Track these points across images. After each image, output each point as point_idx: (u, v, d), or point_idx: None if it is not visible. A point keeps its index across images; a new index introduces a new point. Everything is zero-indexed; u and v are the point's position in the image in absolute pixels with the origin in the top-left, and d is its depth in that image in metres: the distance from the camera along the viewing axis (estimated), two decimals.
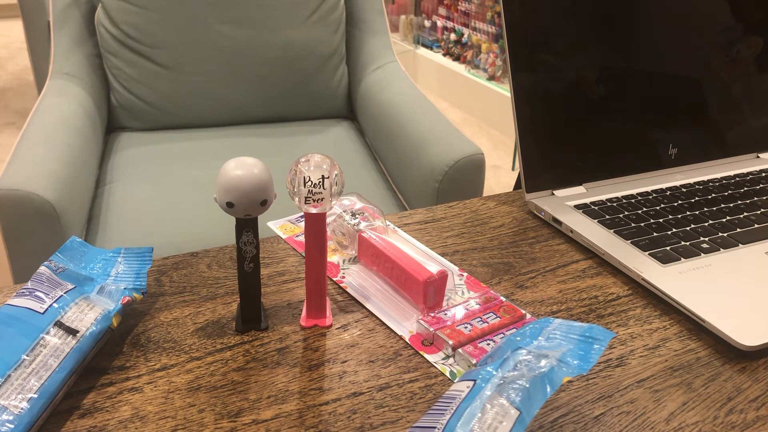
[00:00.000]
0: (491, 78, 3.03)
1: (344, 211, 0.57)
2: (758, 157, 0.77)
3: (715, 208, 0.64)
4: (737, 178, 0.71)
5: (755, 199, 0.67)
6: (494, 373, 0.35)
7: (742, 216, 0.63)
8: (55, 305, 0.43)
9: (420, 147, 1.33)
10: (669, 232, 0.60)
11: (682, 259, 0.56)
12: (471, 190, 1.28)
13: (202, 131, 1.56)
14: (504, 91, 2.91)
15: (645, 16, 0.68)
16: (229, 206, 0.43)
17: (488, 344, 0.46)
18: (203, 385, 0.43)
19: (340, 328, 0.49)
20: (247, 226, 0.45)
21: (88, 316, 0.43)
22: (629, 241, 0.58)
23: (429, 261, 0.50)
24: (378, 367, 0.45)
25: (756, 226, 0.62)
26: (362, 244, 0.55)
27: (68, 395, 0.42)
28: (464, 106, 3.18)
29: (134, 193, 1.30)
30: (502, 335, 0.47)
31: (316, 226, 0.45)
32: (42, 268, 0.46)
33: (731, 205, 0.65)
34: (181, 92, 1.54)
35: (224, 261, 0.56)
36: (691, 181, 0.70)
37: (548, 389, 0.34)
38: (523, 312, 0.50)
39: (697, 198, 0.66)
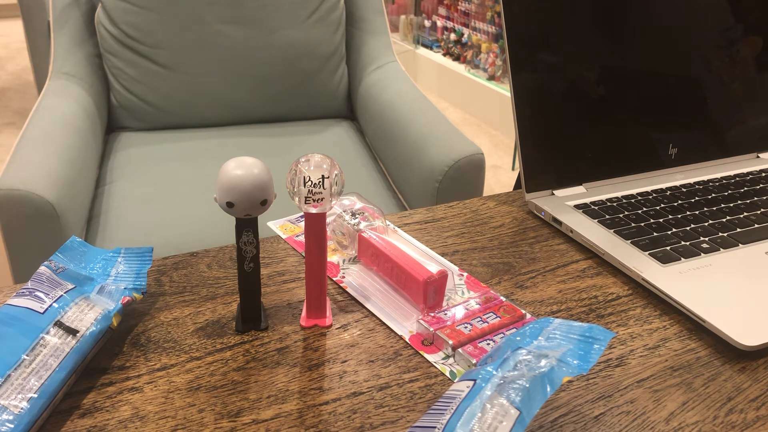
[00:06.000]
0: (491, 78, 3.03)
1: (344, 211, 0.57)
2: (758, 157, 0.77)
3: (715, 208, 0.64)
4: (737, 178, 0.71)
5: (755, 199, 0.67)
6: (494, 372, 0.35)
7: (742, 216, 0.63)
8: (55, 305, 0.43)
9: (420, 147, 1.33)
10: (669, 232, 0.60)
11: (682, 259, 0.56)
12: (471, 190, 1.28)
13: (202, 131, 1.56)
14: (504, 91, 2.91)
15: (645, 16, 0.68)
16: (229, 206, 0.43)
17: (488, 344, 0.46)
18: (203, 384, 0.43)
19: (340, 328, 0.49)
20: (247, 226, 0.45)
21: (88, 316, 0.43)
22: (629, 241, 0.58)
23: (429, 261, 0.50)
24: (378, 367, 0.45)
25: (756, 226, 0.62)
26: (362, 244, 0.55)
27: (68, 395, 0.42)
28: (464, 106, 3.18)
29: (134, 193, 1.30)
30: (502, 335, 0.47)
31: (316, 226, 0.45)
32: (42, 268, 0.46)
33: (731, 205, 0.65)
34: (181, 92, 1.54)
35: (224, 261, 0.56)
36: (691, 181, 0.70)
37: (548, 389, 0.34)
38: (523, 312, 0.50)
39: (697, 198, 0.66)
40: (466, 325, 0.47)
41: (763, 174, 0.73)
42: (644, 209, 0.64)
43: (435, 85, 3.39)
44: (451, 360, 0.46)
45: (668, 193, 0.67)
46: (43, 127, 1.27)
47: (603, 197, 0.66)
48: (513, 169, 2.59)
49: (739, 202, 0.66)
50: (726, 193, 0.68)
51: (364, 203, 0.59)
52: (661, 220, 0.62)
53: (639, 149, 0.70)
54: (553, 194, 0.66)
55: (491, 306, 0.50)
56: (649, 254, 0.57)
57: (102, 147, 1.49)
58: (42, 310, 0.42)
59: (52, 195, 1.07)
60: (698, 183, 0.69)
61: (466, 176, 1.26)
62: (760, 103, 0.76)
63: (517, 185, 0.90)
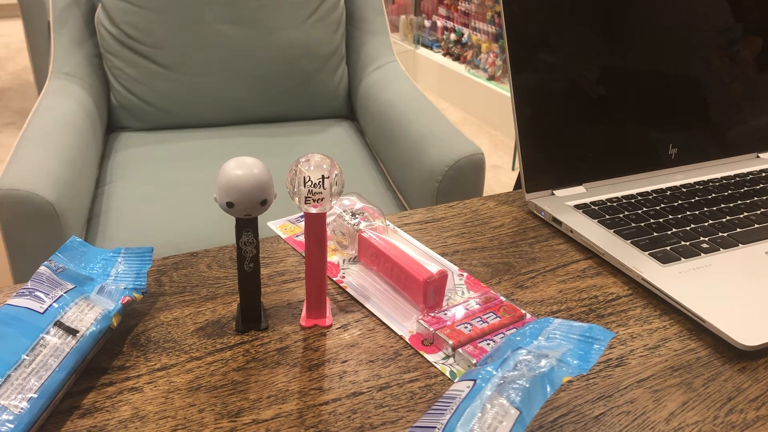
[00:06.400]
0: (491, 78, 3.03)
1: (344, 211, 0.57)
2: (758, 157, 0.77)
3: (715, 208, 0.64)
4: (737, 178, 0.71)
5: (755, 199, 0.67)
6: (494, 373, 0.35)
7: (742, 216, 0.63)
8: (55, 305, 0.43)
9: (420, 147, 1.33)
10: (669, 232, 0.60)
11: (682, 259, 0.56)
12: (471, 190, 1.28)
13: (202, 131, 1.56)
14: (504, 91, 2.91)
15: (645, 16, 0.68)
16: (229, 206, 0.43)
17: (488, 344, 0.46)
18: (203, 384, 0.43)
19: (340, 328, 0.49)
20: (247, 226, 0.45)
21: (88, 316, 0.43)
22: (629, 241, 0.58)
23: (429, 261, 0.50)
24: (378, 367, 0.45)
25: (756, 226, 0.62)
26: (362, 244, 0.55)
27: (68, 395, 0.42)
28: (464, 106, 3.18)
29: (134, 193, 1.30)
30: (502, 335, 0.47)
31: (316, 226, 0.45)
32: (42, 268, 0.46)
33: (731, 205, 0.65)
34: (181, 92, 1.54)
35: (224, 261, 0.56)
36: (691, 181, 0.70)
37: (548, 389, 0.34)
38: (523, 312, 0.50)
39: (697, 198, 0.66)
40: (466, 325, 0.47)
41: (763, 174, 0.73)
42: (644, 209, 0.64)
43: (435, 85, 3.39)
44: (451, 360, 0.46)
45: (668, 193, 0.67)
46: (43, 127, 1.27)
47: (603, 197, 0.66)
48: (513, 169, 2.59)
49: (739, 202, 0.66)
50: (726, 193, 0.68)
51: (364, 203, 0.59)
52: (661, 220, 0.62)
53: (639, 149, 0.70)
54: (553, 194, 0.66)
55: (491, 306, 0.50)
56: (649, 254, 0.57)
57: (102, 147, 1.49)
58: (42, 310, 0.42)
59: (52, 195, 1.07)
60: (698, 183, 0.69)
61: (466, 176, 1.26)
62: (760, 103, 0.76)
63: (517, 185, 0.90)
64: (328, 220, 0.56)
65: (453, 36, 3.29)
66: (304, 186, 0.43)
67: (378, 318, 0.50)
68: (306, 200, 0.44)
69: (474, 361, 0.44)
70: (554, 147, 0.66)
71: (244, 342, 0.47)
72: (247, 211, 0.43)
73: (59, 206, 1.07)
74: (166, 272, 0.54)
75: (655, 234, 0.60)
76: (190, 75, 1.53)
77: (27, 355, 0.40)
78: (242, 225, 0.45)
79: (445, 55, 3.38)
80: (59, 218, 1.07)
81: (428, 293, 0.49)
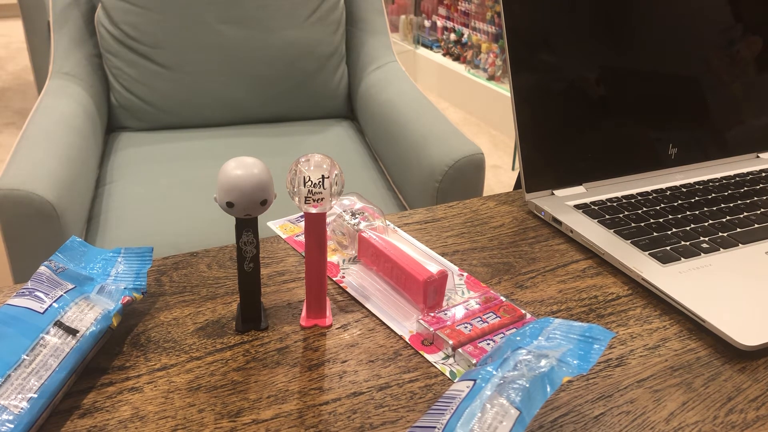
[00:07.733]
0: (491, 78, 3.03)
1: (344, 211, 0.57)
2: (758, 157, 0.77)
3: (715, 208, 0.64)
4: (737, 178, 0.71)
5: (755, 199, 0.67)
6: (494, 372, 0.35)
7: (742, 216, 0.63)
8: (55, 305, 0.43)
9: (420, 147, 1.33)
10: (669, 232, 0.60)
11: (682, 259, 0.56)
12: (471, 190, 1.28)
13: (202, 131, 1.56)
14: (504, 91, 2.91)
15: (645, 16, 0.68)
16: (229, 206, 0.43)
17: (488, 344, 0.46)
18: (203, 384, 0.43)
19: (340, 328, 0.49)
20: (247, 226, 0.45)
21: (88, 316, 0.43)
22: (629, 241, 0.58)
23: (429, 261, 0.50)
24: (378, 366, 0.45)
25: (756, 226, 0.62)
26: (362, 244, 0.55)
27: (68, 395, 0.42)
28: (464, 106, 3.18)
29: (134, 193, 1.30)
30: (502, 335, 0.47)
31: (316, 226, 0.45)
32: (42, 268, 0.46)
33: (731, 205, 0.65)
34: (181, 92, 1.54)
35: (224, 261, 0.56)
36: (691, 181, 0.70)
37: (548, 389, 0.34)
38: (523, 312, 0.50)
39: (697, 198, 0.66)
40: (466, 325, 0.47)
41: (763, 174, 0.73)
42: (644, 209, 0.64)
43: (435, 85, 3.39)
44: (451, 360, 0.46)
45: (668, 193, 0.67)
46: (43, 126, 1.27)
47: (603, 197, 0.66)
48: (513, 169, 2.59)
49: (739, 202, 0.66)
50: (726, 193, 0.68)
51: (364, 203, 0.59)
52: (661, 220, 0.62)
53: (639, 149, 0.70)
54: (553, 194, 0.66)
55: (491, 306, 0.50)
56: (649, 254, 0.57)
57: (102, 147, 1.49)
58: (42, 310, 0.42)
59: (52, 195, 1.07)
60: (698, 183, 0.69)
61: (466, 176, 1.26)
62: (760, 103, 0.76)
63: (517, 185, 0.90)
64: (328, 220, 0.56)
65: (453, 36, 3.29)
66: (304, 186, 0.43)
67: (378, 318, 0.50)
68: (306, 200, 0.44)
69: (474, 361, 0.44)
70: (554, 147, 0.66)
71: (244, 342, 0.47)
72: (247, 211, 0.43)
73: (59, 206, 1.07)
74: (166, 272, 0.54)
75: (655, 234, 0.60)
76: (190, 75, 1.53)
77: (27, 355, 0.40)
78: (242, 225, 0.45)
79: (445, 55, 3.38)
80: (59, 218, 1.07)
81: (428, 293, 0.49)
